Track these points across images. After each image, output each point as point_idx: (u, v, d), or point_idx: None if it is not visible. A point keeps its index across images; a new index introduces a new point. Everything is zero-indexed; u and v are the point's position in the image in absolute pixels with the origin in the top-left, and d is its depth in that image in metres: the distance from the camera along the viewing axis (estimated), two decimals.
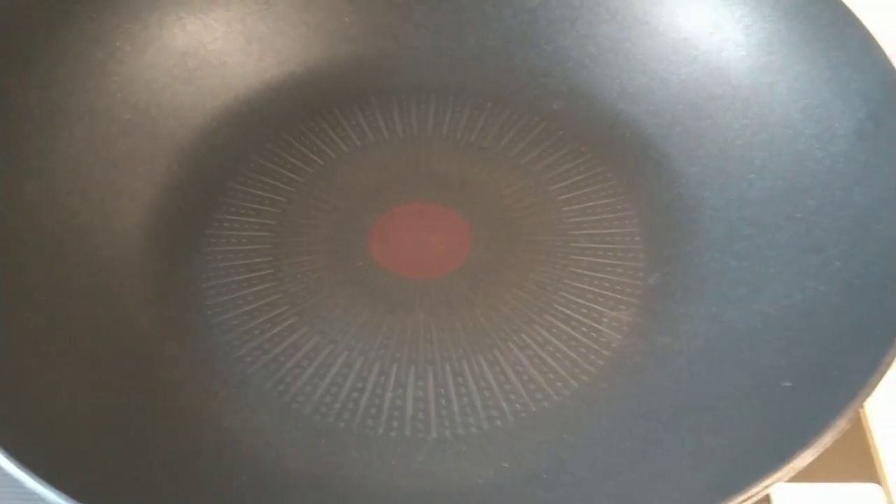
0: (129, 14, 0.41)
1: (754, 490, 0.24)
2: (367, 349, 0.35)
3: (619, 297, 0.36)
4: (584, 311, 0.36)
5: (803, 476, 0.32)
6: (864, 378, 0.25)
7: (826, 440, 0.24)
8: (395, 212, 0.39)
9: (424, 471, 0.31)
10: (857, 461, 0.33)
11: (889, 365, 0.25)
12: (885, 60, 0.33)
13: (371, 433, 0.32)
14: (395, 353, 0.34)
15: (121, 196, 0.38)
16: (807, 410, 0.27)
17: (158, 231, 0.38)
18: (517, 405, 0.33)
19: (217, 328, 0.35)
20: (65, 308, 0.34)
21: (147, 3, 0.41)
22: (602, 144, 0.41)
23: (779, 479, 0.24)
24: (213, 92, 0.42)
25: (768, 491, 0.24)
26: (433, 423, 0.33)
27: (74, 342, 0.33)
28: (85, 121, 0.38)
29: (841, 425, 0.24)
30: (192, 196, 0.39)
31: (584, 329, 0.35)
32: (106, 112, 0.39)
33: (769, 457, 0.25)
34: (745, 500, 0.24)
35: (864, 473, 0.33)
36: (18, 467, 0.25)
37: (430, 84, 0.43)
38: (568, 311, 0.36)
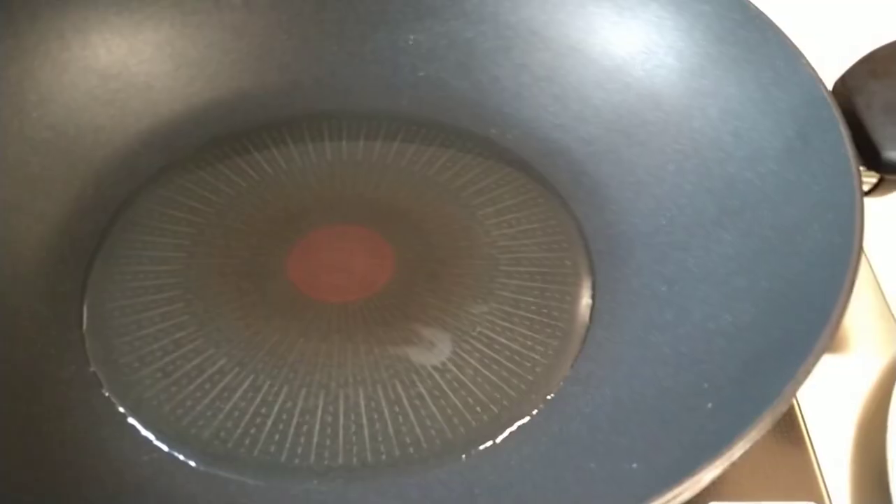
0: (51, 33, 0.40)
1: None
2: (275, 373, 0.33)
3: (545, 321, 0.35)
4: (509, 334, 0.34)
5: (744, 495, 0.30)
6: (779, 388, 0.23)
7: (734, 453, 0.22)
8: (316, 234, 0.37)
9: (326, 501, 0.29)
10: (798, 480, 0.32)
11: (806, 374, 0.24)
12: (812, 76, 0.33)
13: (273, 460, 0.30)
14: (305, 378, 0.33)
15: (29, 215, 0.36)
16: (724, 430, 0.25)
17: (65, 252, 0.36)
18: (432, 431, 0.31)
19: (117, 350, 0.33)
20: None
21: (70, 23, 0.40)
22: (534, 171, 0.40)
23: (684, 491, 0.22)
24: (136, 114, 0.41)
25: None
26: (341, 450, 0.31)
27: None
28: None
29: (752, 437, 0.22)
30: (106, 217, 0.37)
31: (507, 353, 0.33)
32: (20, 131, 0.38)
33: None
34: None
35: (803, 492, 0.31)
36: None
37: (363, 110, 0.42)
38: (492, 335, 0.34)
